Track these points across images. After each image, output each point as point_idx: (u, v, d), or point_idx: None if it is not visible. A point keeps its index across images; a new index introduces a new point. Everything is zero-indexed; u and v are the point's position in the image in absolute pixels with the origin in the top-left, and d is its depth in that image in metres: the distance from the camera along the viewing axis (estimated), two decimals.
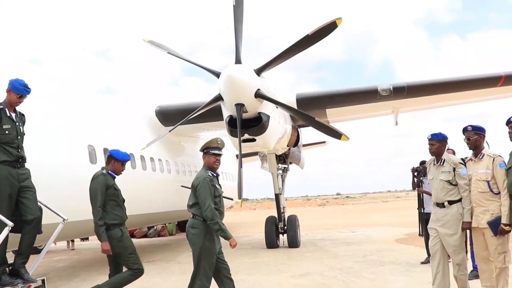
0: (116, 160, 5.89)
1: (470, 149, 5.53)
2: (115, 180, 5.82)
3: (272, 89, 8.87)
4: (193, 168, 14.47)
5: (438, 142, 5.72)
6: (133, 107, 12.52)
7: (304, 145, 16.83)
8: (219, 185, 5.52)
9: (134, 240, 18.83)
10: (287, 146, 11.56)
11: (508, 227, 4.97)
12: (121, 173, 5.98)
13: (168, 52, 9.39)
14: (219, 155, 5.47)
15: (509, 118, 4.96)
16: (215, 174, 5.45)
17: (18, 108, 5.48)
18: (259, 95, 8.26)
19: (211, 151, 5.43)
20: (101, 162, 9.01)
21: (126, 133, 10.71)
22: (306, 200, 69.18)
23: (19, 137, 5.34)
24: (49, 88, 8.51)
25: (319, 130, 8.97)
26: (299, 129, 11.99)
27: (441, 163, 5.66)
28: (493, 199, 5.20)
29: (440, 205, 5.62)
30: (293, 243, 12.41)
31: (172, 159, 12.80)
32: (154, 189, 11.27)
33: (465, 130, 5.54)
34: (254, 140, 8.93)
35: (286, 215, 13.05)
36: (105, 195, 5.57)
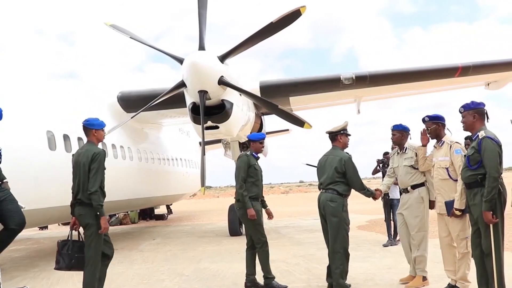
0: (254, 141, 6.65)
1: (431, 138, 5.81)
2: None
3: (236, 77, 8.82)
4: (156, 155, 14.28)
5: (398, 132, 6.25)
6: (95, 93, 12.22)
7: (267, 133, 16.90)
8: None
9: None
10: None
11: (458, 212, 5.17)
12: (261, 150, 6.73)
13: (130, 37, 9.19)
14: (350, 135, 6.10)
15: (460, 108, 5.10)
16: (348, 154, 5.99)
17: None
18: (222, 82, 8.21)
19: (347, 132, 6.02)
20: (61, 148, 8.76)
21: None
22: (269, 187, 69.68)
23: None
24: (3, 73, 8.18)
25: (282, 118, 9.01)
26: (262, 116, 12.00)
27: (404, 151, 6.19)
28: (454, 186, 5.37)
29: (405, 190, 6.13)
30: None
31: (134, 146, 12.59)
32: (115, 176, 11.05)
33: (423, 121, 5.81)
34: (217, 127, 8.89)
35: None
36: (247, 172, 6.37)
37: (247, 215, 6.28)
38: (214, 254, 9.43)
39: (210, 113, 8.64)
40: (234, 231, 12.56)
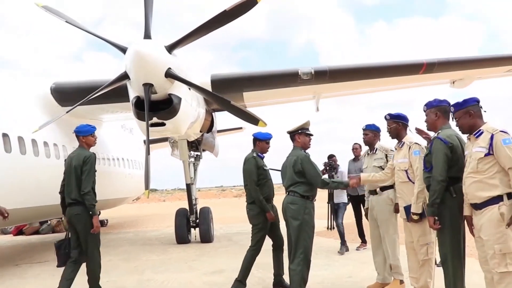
0: (260, 141, 6.95)
1: (391, 138, 5.97)
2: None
3: (185, 69, 8.76)
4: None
5: (371, 132, 6.51)
6: (26, 83, 11.82)
7: (219, 131, 16.90)
8: None
9: (23, 238, 18.03)
10: (200, 131, 11.53)
11: (416, 216, 5.34)
12: (267, 151, 7.06)
13: (66, 21, 8.95)
14: (312, 135, 6.25)
15: (423, 107, 5.26)
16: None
17: None
18: (170, 74, 8.12)
19: (307, 131, 6.14)
20: None
21: (13, 112, 10.11)
22: (221, 191, 69.65)
23: None
24: None
25: (235, 115, 9.02)
26: (213, 113, 11.98)
27: (374, 152, 6.46)
28: (413, 189, 5.54)
29: (373, 192, 6.34)
30: (206, 237, 12.48)
31: (70, 144, 12.26)
32: (47, 178, 10.75)
33: (384, 119, 5.95)
34: (163, 124, 8.79)
35: (199, 207, 13.08)
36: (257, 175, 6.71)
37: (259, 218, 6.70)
38: (159, 264, 9.35)
39: (155, 108, 8.53)
40: (181, 239, 12.49)
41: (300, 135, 6.11)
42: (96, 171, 6.36)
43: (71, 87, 11.38)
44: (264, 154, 7.01)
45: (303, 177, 5.85)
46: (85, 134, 6.54)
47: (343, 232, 9.97)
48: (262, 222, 6.71)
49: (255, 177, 6.69)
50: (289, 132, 6.19)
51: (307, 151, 6.18)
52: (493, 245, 4.22)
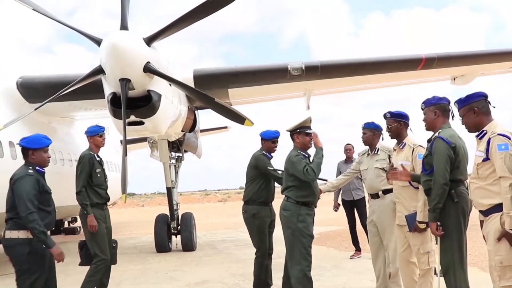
0: (266, 140, 7.14)
1: (391, 138, 5.91)
2: None
3: (165, 63, 8.67)
4: (66, 155, 13.82)
5: (370, 131, 6.39)
6: None
7: (202, 131, 16.83)
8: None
9: None
10: (182, 131, 11.46)
11: (422, 225, 5.28)
12: (274, 150, 7.21)
13: (34, 9, 8.83)
14: (311, 134, 6.10)
15: (421, 104, 5.24)
16: (307, 155, 6.01)
17: None
18: (149, 69, 8.03)
19: (306, 130, 6.01)
20: None
21: None
22: (204, 195, 69.46)
23: None
24: None
25: (219, 113, 8.95)
26: (196, 111, 11.92)
27: (376, 152, 6.34)
28: (415, 195, 5.49)
29: (375, 196, 6.22)
30: (188, 245, 12.41)
31: None
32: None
33: (384, 117, 5.89)
34: (142, 123, 8.70)
35: (180, 213, 13.01)
36: None
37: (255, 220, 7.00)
38: (137, 275, 9.28)
39: (133, 106, 8.44)
40: (161, 247, 12.42)
41: (299, 135, 6.03)
42: (98, 170, 6.97)
43: (41, 82, 11.23)
44: (271, 154, 7.17)
45: (296, 180, 5.78)
46: (91, 135, 7.03)
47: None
48: (257, 225, 6.93)
49: (271, 166, 6.97)
50: (288, 131, 6.14)
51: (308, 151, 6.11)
52: (493, 256, 4.20)
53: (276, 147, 7.22)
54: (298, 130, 6.02)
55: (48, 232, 5.23)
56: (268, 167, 6.97)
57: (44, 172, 5.44)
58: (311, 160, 5.98)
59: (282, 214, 5.83)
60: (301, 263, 5.64)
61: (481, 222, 4.53)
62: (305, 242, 5.66)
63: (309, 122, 6.09)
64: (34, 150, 5.39)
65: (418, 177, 5.29)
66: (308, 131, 6.05)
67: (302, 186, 5.81)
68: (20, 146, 5.48)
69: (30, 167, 5.28)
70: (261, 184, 7.05)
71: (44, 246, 5.05)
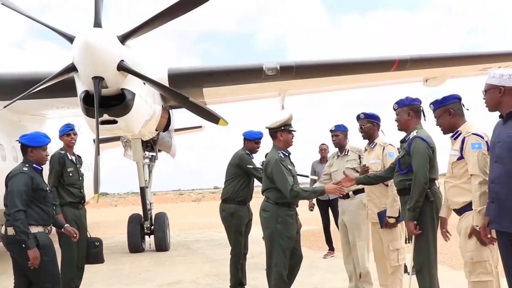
0: (249, 140, 7.26)
1: (364, 138, 6.00)
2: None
3: (140, 62, 8.62)
4: None
5: (341, 133, 6.50)
6: None
7: (176, 130, 16.76)
8: (292, 164, 5.91)
9: None
10: (156, 130, 11.40)
11: (392, 219, 5.40)
12: (256, 151, 7.37)
13: (3, 3, 8.68)
14: (295, 131, 5.97)
15: (393, 105, 5.31)
16: (287, 154, 5.83)
17: None
18: (122, 67, 7.96)
19: (289, 128, 5.85)
20: None
21: None
22: (178, 194, 69.29)
23: None
24: None
25: (194, 112, 8.93)
26: (170, 110, 11.86)
27: (346, 153, 6.44)
28: (385, 192, 5.59)
29: (345, 196, 6.22)
30: (162, 245, 12.35)
31: (8, 143, 11.91)
32: None
33: (358, 118, 5.98)
34: (115, 122, 8.62)
35: (154, 213, 12.94)
36: None
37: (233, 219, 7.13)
38: (109, 276, 9.19)
39: (106, 104, 8.36)
40: (134, 247, 12.33)
41: (283, 132, 5.82)
42: (70, 169, 7.17)
43: (10, 79, 11.00)
44: (253, 155, 7.31)
45: (274, 182, 5.61)
46: (60, 134, 7.25)
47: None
48: (235, 224, 7.02)
49: (254, 165, 7.13)
50: (270, 129, 5.88)
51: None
52: (464, 252, 4.29)
53: (259, 147, 7.33)
54: (282, 128, 5.82)
55: (50, 228, 5.48)
56: (252, 166, 7.06)
57: (42, 170, 5.55)
58: (291, 160, 5.89)
59: (261, 215, 5.72)
60: (278, 266, 5.57)
61: (441, 218, 4.73)
62: (283, 244, 5.54)
63: (291, 119, 5.98)
64: (33, 148, 5.52)
65: (362, 179, 5.49)
66: (291, 128, 5.88)
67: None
68: (19, 143, 5.61)
69: (27, 165, 5.42)
70: (242, 183, 7.15)
71: (23, 246, 5.06)
